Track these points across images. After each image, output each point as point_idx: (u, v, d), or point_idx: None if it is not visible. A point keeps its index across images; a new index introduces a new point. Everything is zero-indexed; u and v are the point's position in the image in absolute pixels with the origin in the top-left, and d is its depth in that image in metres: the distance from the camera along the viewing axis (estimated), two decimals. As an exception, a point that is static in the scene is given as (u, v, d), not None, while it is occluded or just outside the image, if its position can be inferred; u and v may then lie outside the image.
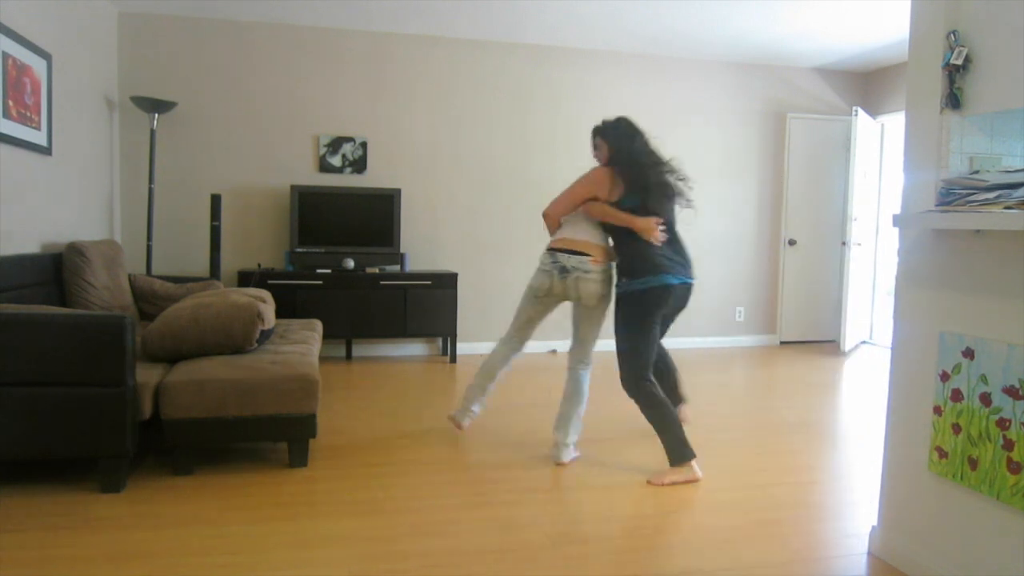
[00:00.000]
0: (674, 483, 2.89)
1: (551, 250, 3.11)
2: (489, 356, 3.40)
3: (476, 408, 3.41)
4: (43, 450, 2.58)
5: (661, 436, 2.95)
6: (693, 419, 3.73)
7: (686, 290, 3.11)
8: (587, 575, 2.11)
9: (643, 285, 2.94)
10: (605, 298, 3.07)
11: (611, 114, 3.43)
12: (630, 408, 4.04)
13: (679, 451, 2.93)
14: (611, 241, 3.11)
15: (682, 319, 6.19)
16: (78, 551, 2.19)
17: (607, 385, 4.65)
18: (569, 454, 3.14)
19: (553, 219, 3.19)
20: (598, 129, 3.26)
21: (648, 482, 2.90)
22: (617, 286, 3.05)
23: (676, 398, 3.53)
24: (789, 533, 2.43)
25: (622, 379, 2.99)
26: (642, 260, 2.97)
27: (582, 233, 3.08)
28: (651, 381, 2.98)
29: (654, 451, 3.32)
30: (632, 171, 3.06)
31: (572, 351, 3.20)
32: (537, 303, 3.24)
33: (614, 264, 3.08)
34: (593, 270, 3.00)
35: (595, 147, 3.26)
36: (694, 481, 2.92)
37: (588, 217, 3.11)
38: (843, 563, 2.23)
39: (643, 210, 3.00)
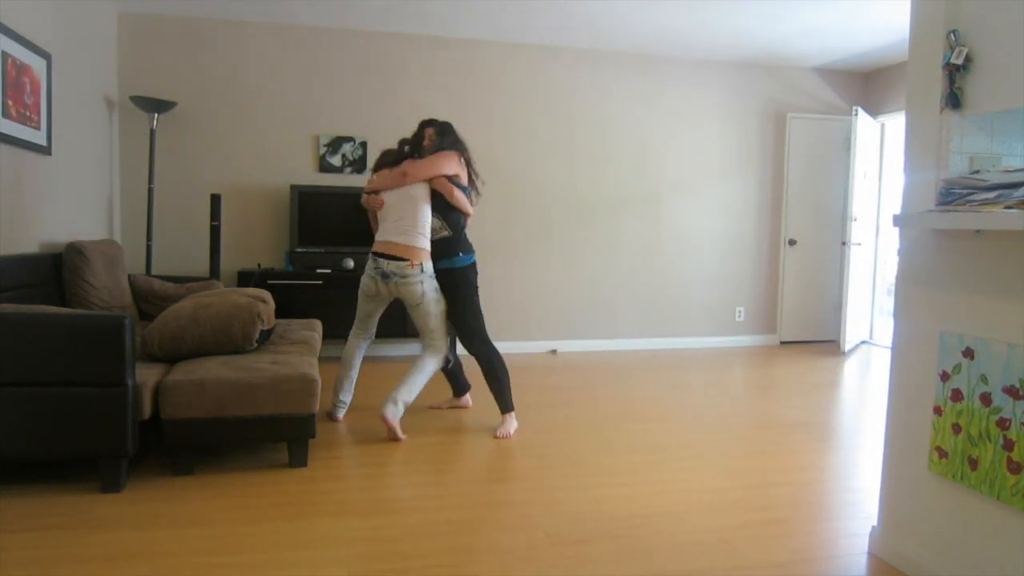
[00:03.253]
0: (510, 433, 3.48)
1: (373, 255, 3.42)
2: (345, 349, 3.71)
3: (345, 398, 3.70)
4: (43, 450, 2.58)
5: (498, 387, 3.52)
6: (691, 418, 3.72)
7: None
8: (587, 575, 2.11)
9: (474, 257, 3.57)
10: (426, 295, 3.38)
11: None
12: (617, 411, 4.04)
13: (510, 400, 3.56)
14: (441, 221, 3.49)
15: (682, 318, 6.28)
16: (78, 551, 2.19)
17: (602, 383, 4.66)
18: (342, 412, 3.67)
19: (409, 182, 3.45)
20: (435, 123, 3.63)
21: (496, 437, 3.46)
22: (458, 260, 3.50)
23: (461, 386, 4.01)
24: (789, 533, 2.43)
25: (470, 340, 3.49)
26: (466, 238, 3.57)
27: (401, 236, 3.38)
28: (486, 346, 3.54)
29: (646, 454, 3.33)
30: (470, 167, 3.60)
31: (422, 339, 3.53)
32: (369, 301, 3.55)
33: (429, 262, 3.41)
34: (411, 275, 3.34)
35: (426, 137, 3.59)
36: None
37: (415, 206, 3.41)
38: (843, 563, 2.23)
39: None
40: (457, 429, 3.60)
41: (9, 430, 2.53)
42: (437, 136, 3.54)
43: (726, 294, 6.38)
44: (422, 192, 3.44)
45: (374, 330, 3.70)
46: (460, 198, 3.46)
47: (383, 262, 3.35)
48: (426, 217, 3.42)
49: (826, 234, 6.57)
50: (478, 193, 3.66)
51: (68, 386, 2.57)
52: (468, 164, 3.58)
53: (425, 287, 3.36)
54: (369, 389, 4.42)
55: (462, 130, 5.63)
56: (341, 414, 3.69)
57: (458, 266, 3.50)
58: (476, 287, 3.56)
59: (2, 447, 2.54)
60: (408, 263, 3.32)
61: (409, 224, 3.38)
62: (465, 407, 4.02)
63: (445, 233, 3.49)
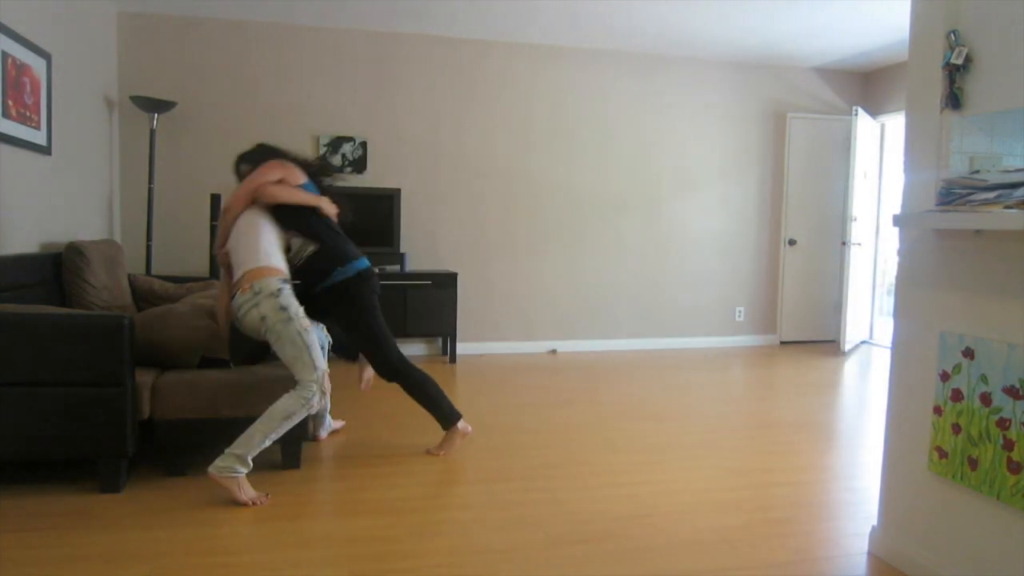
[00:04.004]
0: (452, 448, 3.15)
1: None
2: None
3: (322, 414, 3.36)
4: (43, 450, 2.58)
5: (432, 407, 3.12)
6: (691, 418, 3.71)
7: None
8: (587, 575, 2.11)
9: (359, 264, 3.01)
10: (267, 318, 2.68)
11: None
12: (603, 411, 4.03)
13: (451, 414, 3.15)
14: (300, 236, 3.02)
15: (683, 318, 6.27)
16: (78, 551, 2.19)
17: (578, 383, 4.65)
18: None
19: (235, 212, 2.92)
20: (245, 155, 3.18)
21: (429, 452, 3.16)
22: (336, 274, 2.96)
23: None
24: (789, 533, 2.43)
25: (381, 371, 3.05)
26: (343, 244, 3.03)
27: (239, 270, 2.81)
28: (406, 359, 3.09)
29: (646, 454, 3.33)
30: (299, 161, 3.12)
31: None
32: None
33: (269, 279, 2.74)
34: (242, 303, 2.72)
35: (241, 175, 3.14)
36: (466, 435, 3.21)
37: (251, 234, 2.85)
38: (843, 563, 2.23)
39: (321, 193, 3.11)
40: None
41: (9, 430, 2.53)
42: (250, 164, 3.10)
43: (726, 294, 6.38)
44: (254, 219, 2.89)
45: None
46: (290, 195, 2.94)
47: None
48: (267, 240, 2.86)
49: (826, 234, 6.57)
50: (333, 183, 3.20)
51: (68, 386, 2.57)
52: (300, 163, 3.10)
53: (262, 309, 2.67)
54: (371, 390, 4.41)
55: (462, 130, 5.69)
56: (323, 432, 3.36)
57: (337, 280, 2.95)
58: (371, 306, 3.01)
59: (2, 447, 2.54)
60: (240, 292, 2.73)
61: (244, 256, 2.80)
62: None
63: (311, 248, 3.00)
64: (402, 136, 5.56)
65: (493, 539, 2.34)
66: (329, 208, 3.07)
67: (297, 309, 2.74)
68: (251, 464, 2.62)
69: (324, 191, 3.15)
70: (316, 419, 3.33)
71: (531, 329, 5.92)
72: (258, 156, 3.10)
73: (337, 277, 2.96)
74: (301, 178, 3.03)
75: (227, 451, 2.60)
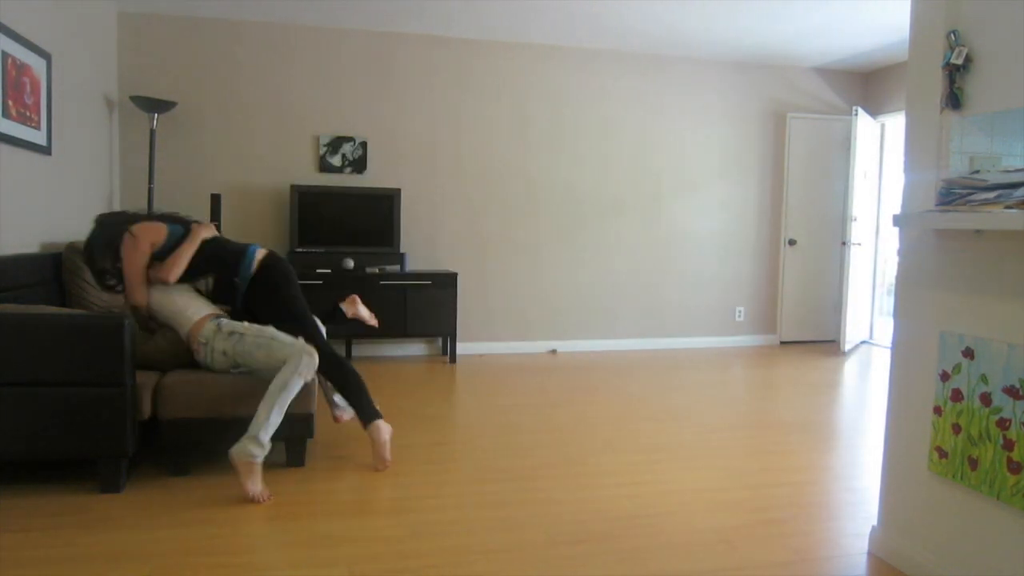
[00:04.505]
0: (387, 449, 2.98)
1: None
2: None
3: (338, 399, 3.40)
4: (43, 450, 2.58)
5: (355, 397, 3.03)
6: (691, 418, 3.72)
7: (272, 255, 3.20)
8: (587, 575, 2.11)
9: (253, 254, 3.12)
10: (227, 351, 2.86)
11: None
12: (593, 411, 4.03)
13: (372, 411, 3.02)
14: (204, 266, 3.08)
15: (682, 318, 6.27)
16: (78, 551, 2.19)
17: (575, 385, 4.65)
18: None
19: (143, 302, 3.00)
20: (92, 246, 3.06)
21: (377, 469, 2.97)
22: (243, 271, 3.08)
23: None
24: (789, 533, 2.43)
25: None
26: (231, 253, 3.11)
27: (180, 334, 2.98)
28: (331, 347, 3.09)
29: (646, 454, 3.32)
30: (156, 215, 3.14)
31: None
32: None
33: (206, 326, 2.92)
34: (203, 356, 2.91)
35: (100, 272, 3.06)
36: (390, 434, 3.02)
37: (168, 305, 2.97)
38: (843, 563, 2.23)
39: (188, 229, 3.11)
40: (454, 429, 3.60)
41: (9, 430, 2.53)
42: (103, 251, 3.02)
43: (726, 294, 6.38)
44: (161, 294, 2.99)
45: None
46: (179, 263, 2.99)
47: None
48: (183, 302, 2.99)
49: (826, 234, 6.57)
50: (168, 215, 3.18)
51: (68, 386, 2.57)
52: (138, 219, 3.07)
53: (218, 347, 2.87)
54: (372, 390, 4.41)
55: (462, 130, 5.68)
56: (342, 414, 3.39)
57: (248, 278, 3.09)
58: (289, 283, 3.11)
59: (2, 447, 2.54)
60: (196, 352, 2.93)
61: (177, 324, 2.97)
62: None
63: (218, 263, 3.10)
64: (402, 136, 5.56)
65: (493, 539, 2.34)
66: (207, 231, 3.13)
67: (240, 325, 2.93)
68: (267, 445, 2.66)
69: (187, 221, 3.17)
70: (330, 404, 3.40)
71: (531, 329, 5.92)
72: (107, 239, 3.01)
73: (245, 277, 3.09)
74: (163, 229, 3.03)
75: (244, 436, 2.66)
